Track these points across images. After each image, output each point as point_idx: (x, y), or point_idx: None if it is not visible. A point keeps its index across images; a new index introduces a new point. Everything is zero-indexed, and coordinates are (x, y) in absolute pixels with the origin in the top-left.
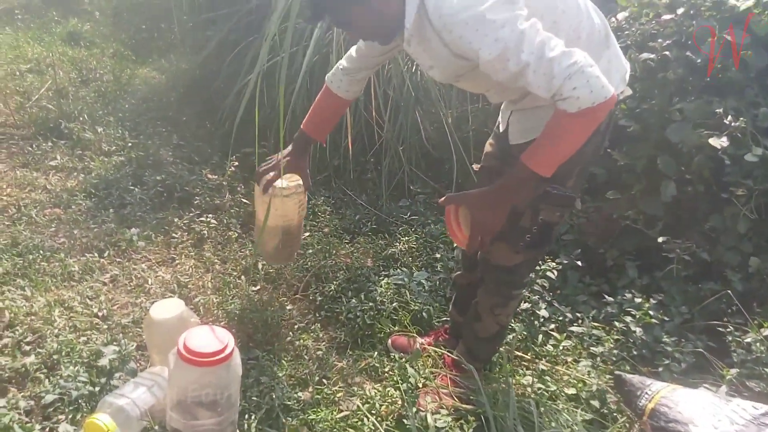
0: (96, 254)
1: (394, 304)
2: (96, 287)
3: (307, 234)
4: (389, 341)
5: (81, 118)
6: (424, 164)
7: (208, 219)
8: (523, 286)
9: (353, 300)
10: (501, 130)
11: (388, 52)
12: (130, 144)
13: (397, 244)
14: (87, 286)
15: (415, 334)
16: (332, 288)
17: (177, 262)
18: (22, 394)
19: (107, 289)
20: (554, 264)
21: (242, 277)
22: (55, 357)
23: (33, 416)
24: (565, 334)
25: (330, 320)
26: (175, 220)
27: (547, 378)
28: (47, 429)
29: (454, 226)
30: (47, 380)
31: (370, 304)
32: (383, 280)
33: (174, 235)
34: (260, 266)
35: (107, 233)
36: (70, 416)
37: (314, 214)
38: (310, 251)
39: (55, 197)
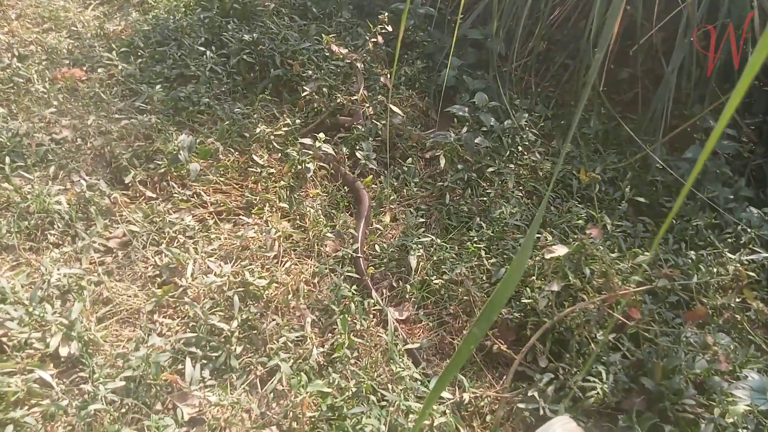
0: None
1: None
2: None
3: None
4: None
5: None
6: None
7: (332, 142)
8: None
9: None
10: None
11: None
12: None
13: None
14: None
15: None
16: None
17: (239, 225)
18: None
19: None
20: None
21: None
22: None
23: None
24: None
25: None
26: (262, 128)
27: None
28: None
29: None
30: None
31: None
32: None
33: (257, 161)
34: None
35: (138, 134)
36: None
37: None
38: None
39: (81, 49)
